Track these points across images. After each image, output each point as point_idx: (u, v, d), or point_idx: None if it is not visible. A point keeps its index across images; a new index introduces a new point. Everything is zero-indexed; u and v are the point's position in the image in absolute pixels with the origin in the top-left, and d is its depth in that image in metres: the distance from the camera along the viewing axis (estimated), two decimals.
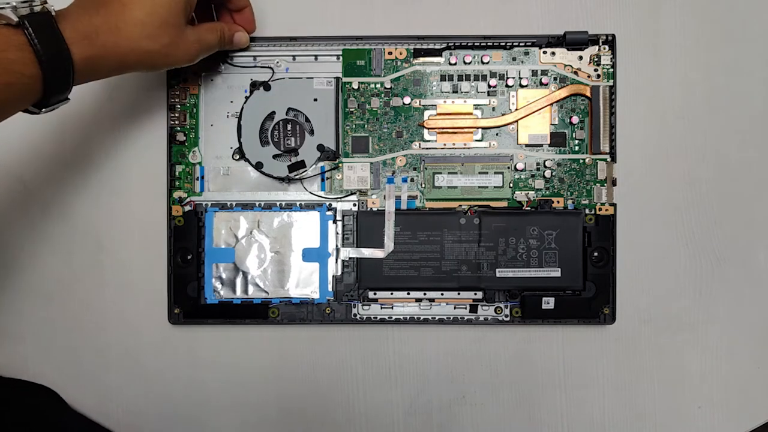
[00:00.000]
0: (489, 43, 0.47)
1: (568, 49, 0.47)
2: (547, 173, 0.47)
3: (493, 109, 0.47)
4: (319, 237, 0.46)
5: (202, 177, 0.47)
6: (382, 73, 0.47)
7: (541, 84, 0.47)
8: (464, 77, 0.47)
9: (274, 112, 0.46)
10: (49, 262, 0.48)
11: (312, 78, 0.47)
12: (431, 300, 0.47)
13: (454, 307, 0.47)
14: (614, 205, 0.46)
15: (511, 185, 0.47)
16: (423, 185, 0.47)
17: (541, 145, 0.47)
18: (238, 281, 0.46)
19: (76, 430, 0.46)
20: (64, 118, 0.48)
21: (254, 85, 0.47)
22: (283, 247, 0.46)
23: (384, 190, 0.47)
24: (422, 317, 0.47)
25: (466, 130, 0.47)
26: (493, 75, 0.47)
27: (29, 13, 0.33)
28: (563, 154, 0.47)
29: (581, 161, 0.47)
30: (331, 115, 0.46)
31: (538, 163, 0.47)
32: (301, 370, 0.48)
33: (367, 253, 0.46)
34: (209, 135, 0.47)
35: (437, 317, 0.47)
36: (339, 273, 0.47)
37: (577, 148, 0.47)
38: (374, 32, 0.48)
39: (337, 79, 0.47)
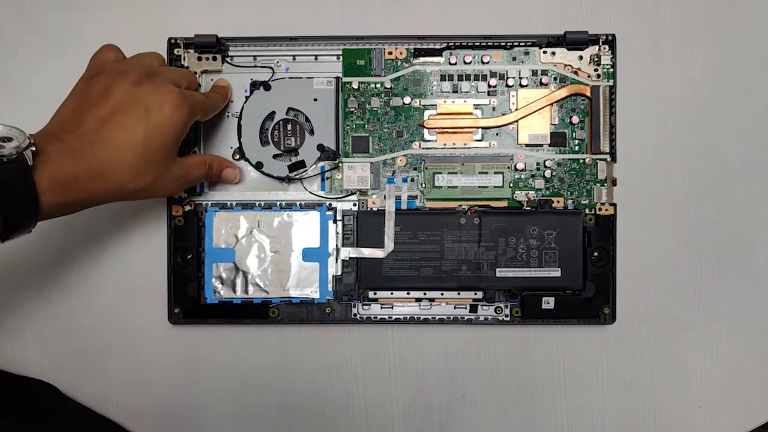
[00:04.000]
0: (489, 43, 0.47)
1: (568, 49, 0.47)
2: (547, 173, 0.47)
3: (493, 109, 0.47)
4: (319, 237, 0.46)
5: None
6: (382, 73, 0.47)
7: (541, 84, 0.47)
8: (464, 77, 0.47)
9: (274, 112, 0.46)
10: (49, 261, 0.48)
11: (312, 78, 0.47)
12: (431, 300, 0.47)
13: (454, 307, 0.47)
14: (614, 205, 0.46)
15: (511, 185, 0.47)
16: (423, 185, 0.47)
17: (541, 145, 0.47)
18: (238, 281, 0.46)
19: (75, 418, 0.46)
20: None
21: (254, 85, 0.47)
22: (283, 247, 0.46)
23: (384, 190, 0.47)
24: (422, 317, 0.47)
25: (466, 130, 0.47)
26: (493, 75, 0.47)
27: (2, 162, 0.31)
28: (563, 154, 0.47)
29: (581, 161, 0.47)
30: (331, 115, 0.46)
31: (538, 163, 0.47)
32: (301, 370, 0.48)
33: (367, 253, 0.46)
34: (209, 134, 0.47)
35: (437, 317, 0.47)
36: (339, 273, 0.47)
37: (577, 148, 0.47)
38: (374, 32, 0.48)
39: (337, 78, 0.47)
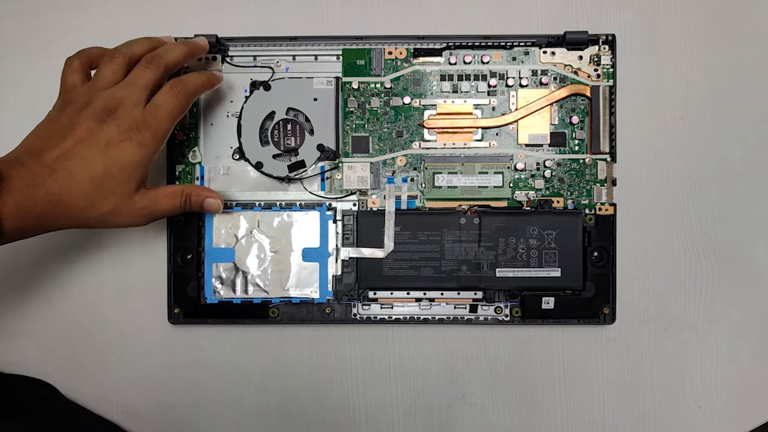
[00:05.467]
0: (489, 43, 0.47)
1: (568, 49, 0.47)
2: (547, 173, 0.47)
3: (493, 108, 0.47)
4: (319, 237, 0.46)
5: (202, 177, 0.47)
6: (382, 73, 0.47)
7: (541, 84, 0.47)
8: (464, 77, 0.47)
9: (274, 112, 0.46)
10: (49, 261, 0.48)
11: (312, 78, 0.47)
12: (431, 300, 0.47)
13: (454, 307, 0.47)
14: (614, 205, 0.46)
15: (511, 185, 0.47)
16: (423, 185, 0.47)
17: (541, 145, 0.47)
18: (238, 281, 0.46)
19: (75, 418, 0.46)
20: None
21: (254, 85, 0.47)
22: (283, 247, 0.46)
23: (384, 190, 0.47)
24: (422, 317, 0.47)
25: (466, 129, 0.47)
26: (493, 75, 0.47)
27: None
28: (563, 154, 0.47)
29: (581, 161, 0.47)
30: (331, 115, 0.46)
31: (538, 163, 0.47)
32: (301, 370, 0.48)
33: (367, 253, 0.46)
34: (209, 134, 0.47)
35: (437, 317, 0.47)
36: (339, 273, 0.47)
37: (577, 148, 0.47)
38: (374, 32, 0.48)
39: (337, 78, 0.47)
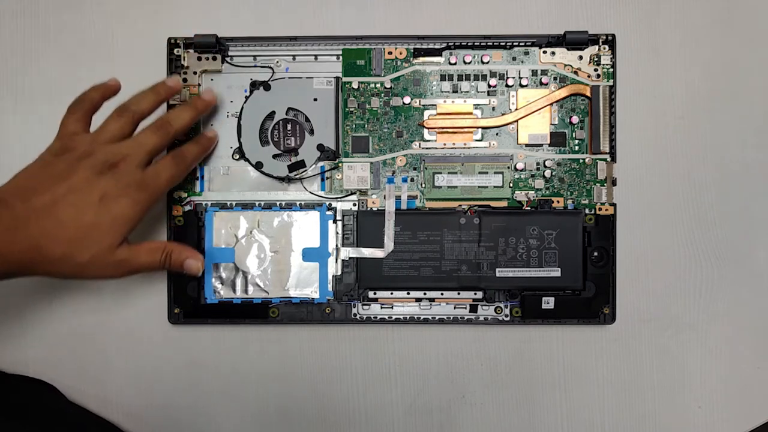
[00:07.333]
0: (489, 43, 0.47)
1: (568, 49, 0.47)
2: (547, 173, 0.47)
3: (493, 108, 0.47)
4: (319, 237, 0.46)
5: (202, 177, 0.47)
6: (382, 73, 0.47)
7: (541, 84, 0.47)
8: (464, 77, 0.47)
9: (274, 112, 0.46)
10: None
11: (312, 78, 0.47)
12: (431, 300, 0.47)
13: (454, 307, 0.47)
14: (614, 205, 0.46)
15: (511, 185, 0.47)
16: (423, 185, 0.47)
17: (541, 145, 0.47)
18: (238, 281, 0.46)
19: (75, 418, 0.46)
20: None
21: (254, 85, 0.47)
22: (283, 247, 0.46)
23: (384, 189, 0.47)
24: (422, 317, 0.47)
25: (466, 129, 0.47)
26: (493, 75, 0.47)
27: None
28: (563, 154, 0.47)
29: (581, 161, 0.47)
30: (331, 115, 0.46)
31: (538, 163, 0.47)
32: (301, 370, 0.48)
33: (367, 252, 0.46)
34: None
35: (437, 317, 0.47)
36: (339, 273, 0.47)
37: (577, 147, 0.47)
38: (374, 32, 0.48)
39: (337, 78, 0.47)
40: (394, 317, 0.47)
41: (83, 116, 0.40)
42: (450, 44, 0.47)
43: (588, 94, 0.46)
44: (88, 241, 0.37)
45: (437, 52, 0.47)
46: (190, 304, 0.47)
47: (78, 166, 0.38)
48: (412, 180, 0.47)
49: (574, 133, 0.47)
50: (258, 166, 0.46)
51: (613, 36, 0.46)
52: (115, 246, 0.38)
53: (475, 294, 0.47)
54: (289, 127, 0.47)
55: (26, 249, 0.36)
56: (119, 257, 0.39)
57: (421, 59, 0.47)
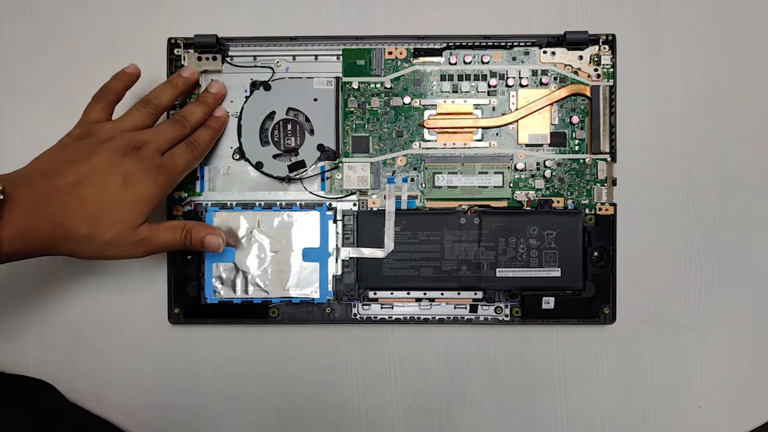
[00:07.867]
0: (489, 43, 0.47)
1: (568, 49, 0.47)
2: (547, 173, 0.47)
3: (493, 108, 0.47)
4: (319, 237, 0.46)
5: (202, 177, 0.47)
6: (382, 73, 0.47)
7: (541, 84, 0.47)
8: (464, 77, 0.47)
9: (274, 112, 0.46)
10: (50, 261, 0.48)
11: (312, 78, 0.47)
12: (431, 300, 0.47)
13: (454, 307, 0.47)
14: (614, 205, 0.46)
15: (511, 185, 0.47)
16: (423, 185, 0.47)
17: (541, 145, 0.47)
18: (238, 281, 0.46)
19: (74, 418, 0.46)
20: (66, 122, 0.48)
21: (254, 85, 0.47)
22: (283, 247, 0.46)
23: (384, 189, 0.47)
24: (422, 317, 0.47)
25: (466, 129, 0.47)
26: (493, 75, 0.47)
27: None
28: (563, 154, 0.47)
29: (581, 161, 0.47)
30: (331, 115, 0.46)
31: (538, 163, 0.47)
32: (301, 370, 0.48)
33: (367, 252, 0.46)
34: None
35: (437, 317, 0.47)
36: (339, 273, 0.47)
37: (577, 148, 0.47)
38: (374, 32, 0.48)
39: (337, 78, 0.47)
40: (394, 317, 0.47)
41: (108, 105, 0.42)
42: (450, 44, 0.47)
43: (588, 94, 0.46)
44: (112, 219, 0.38)
45: (437, 52, 0.47)
46: (190, 304, 0.47)
47: (100, 149, 0.39)
48: (412, 180, 0.47)
49: (574, 133, 0.47)
50: (258, 166, 0.46)
51: (613, 36, 0.46)
52: (137, 225, 0.39)
53: (475, 294, 0.47)
54: (289, 127, 0.47)
55: (50, 227, 0.36)
56: (141, 236, 0.39)
57: (421, 59, 0.47)
